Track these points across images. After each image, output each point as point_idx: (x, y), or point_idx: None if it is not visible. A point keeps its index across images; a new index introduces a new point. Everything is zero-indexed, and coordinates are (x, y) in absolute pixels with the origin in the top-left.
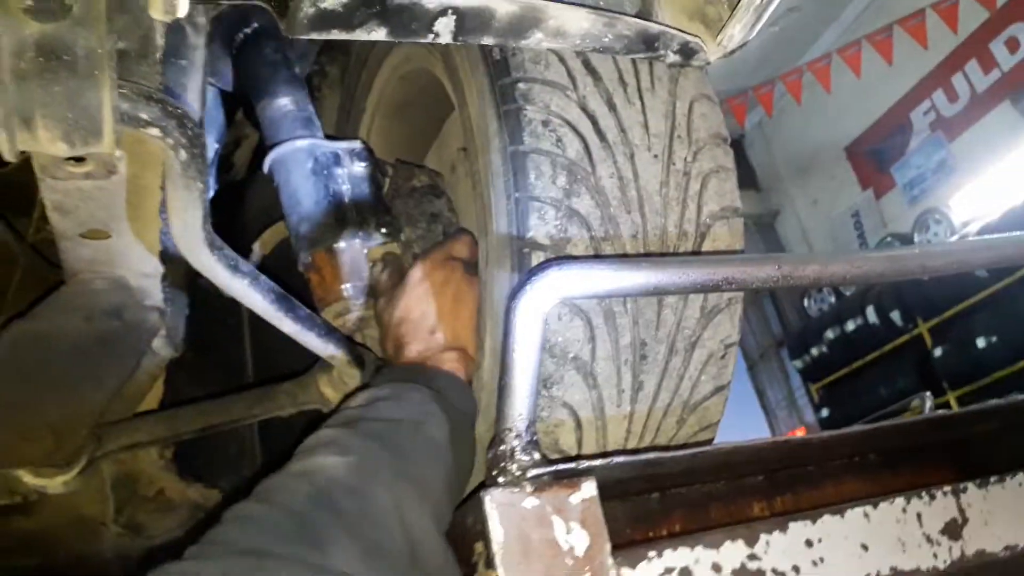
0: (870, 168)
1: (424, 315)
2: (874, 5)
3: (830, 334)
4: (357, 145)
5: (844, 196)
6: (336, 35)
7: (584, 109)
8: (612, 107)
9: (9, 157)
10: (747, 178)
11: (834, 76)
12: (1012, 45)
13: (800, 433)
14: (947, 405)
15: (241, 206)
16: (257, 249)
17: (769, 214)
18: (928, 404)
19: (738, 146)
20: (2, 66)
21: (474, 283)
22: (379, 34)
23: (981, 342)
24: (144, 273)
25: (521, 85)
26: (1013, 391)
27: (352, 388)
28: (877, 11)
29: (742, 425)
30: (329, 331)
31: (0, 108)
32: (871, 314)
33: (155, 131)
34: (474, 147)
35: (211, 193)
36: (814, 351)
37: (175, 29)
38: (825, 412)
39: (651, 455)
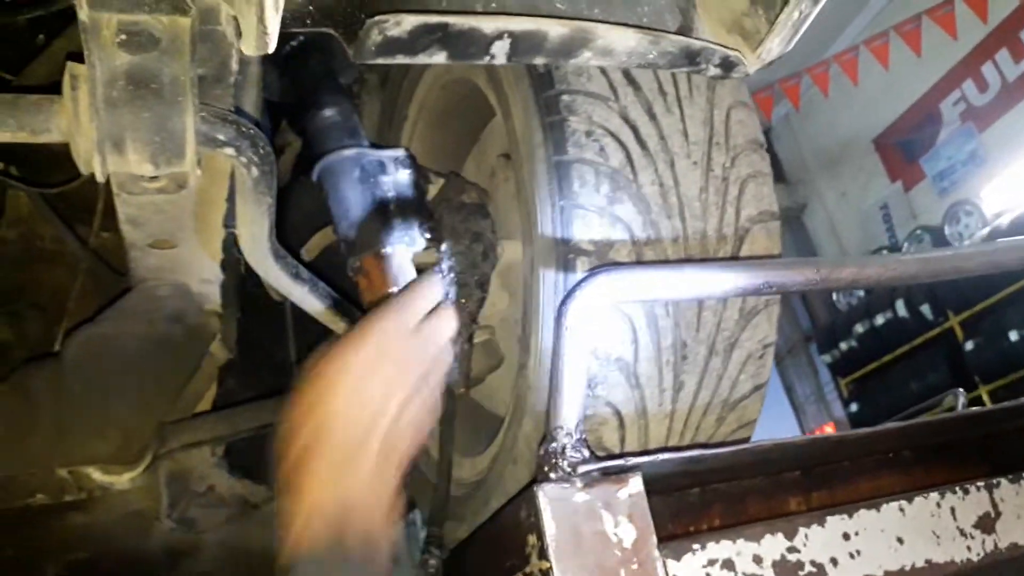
0: (899, 160)
1: (313, 474)
2: None
3: (859, 328)
4: (401, 153)
5: (873, 188)
6: (400, 60)
7: (625, 119)
8: (652, 116)
9: (100, 178)
10: (774, 171)
11: (861, 68)
12: None
13: (829, 429)
14: (979, 399)
15: (286, 212)
16: (304, 255)
17: (797, 207)
18: (961, 401)
19: (765, 139)
20: (96, 94)
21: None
22: (439, 58)
23: (1014, 335)
24: (205, 279)
25: (565, 97)
26: None
27: None
28: (904, 1)
29: (770, 420)
30: None
31: (94, 133)
32: (901, 308)
33: (231, 150)
34: (519, 156)
35: None
36: (843, 345)
37: None
38: (855, 407)
39: (694, 452)
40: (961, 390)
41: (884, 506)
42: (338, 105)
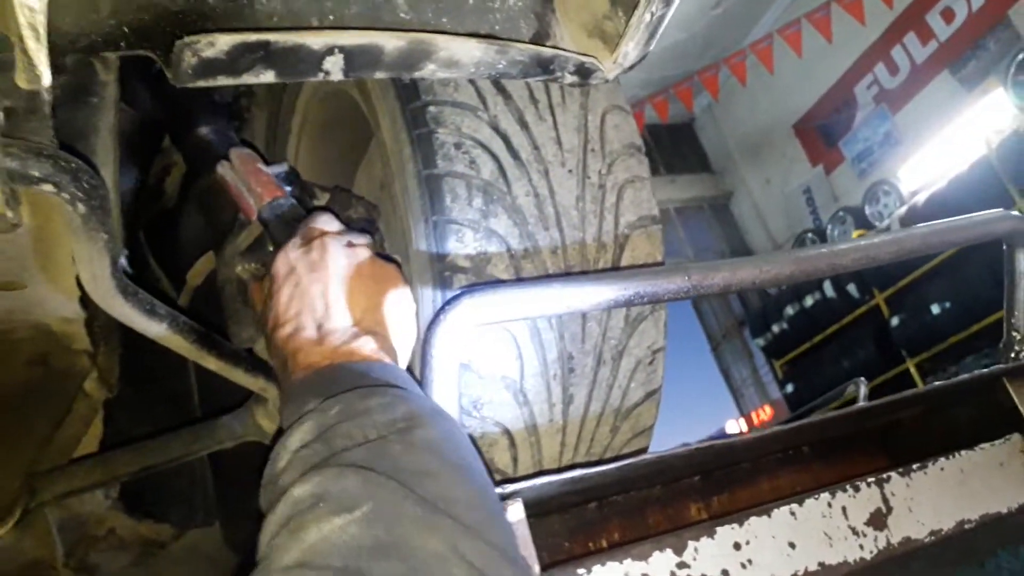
0: (819, 144)
1: (304, 308)
2: None
3: (790, 310)
4: (282, 169)
5: (795, 173)
6: (224, 81)
7: (496, 129)
8: (524, 125)
9: None
10: (700, 161)
11: (776, 56)
12: (947, 15)
13: (767, 410)
14: (907, 373)
15: (176, 234)
16: (190, 280)
17: (723, 195)
18: (863, 390)
19: (689, 130)
20: None
21: (358, 252)
22: (267, 77)
23: (935, 309)
24: (66, 319)
25: (431, 108)
26: (968, 355)
27: None
28: None
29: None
30: (256, 364)
31: None
32: (828, 288)
33: (49, 187)
34: (390, 171)
35: (140, 224)
36: (775, 328)
37: (84, 67)
38: (790, 387)
39: (576, 473)
40: (863, 379)
41: (775, 511)
42: (213, 122)
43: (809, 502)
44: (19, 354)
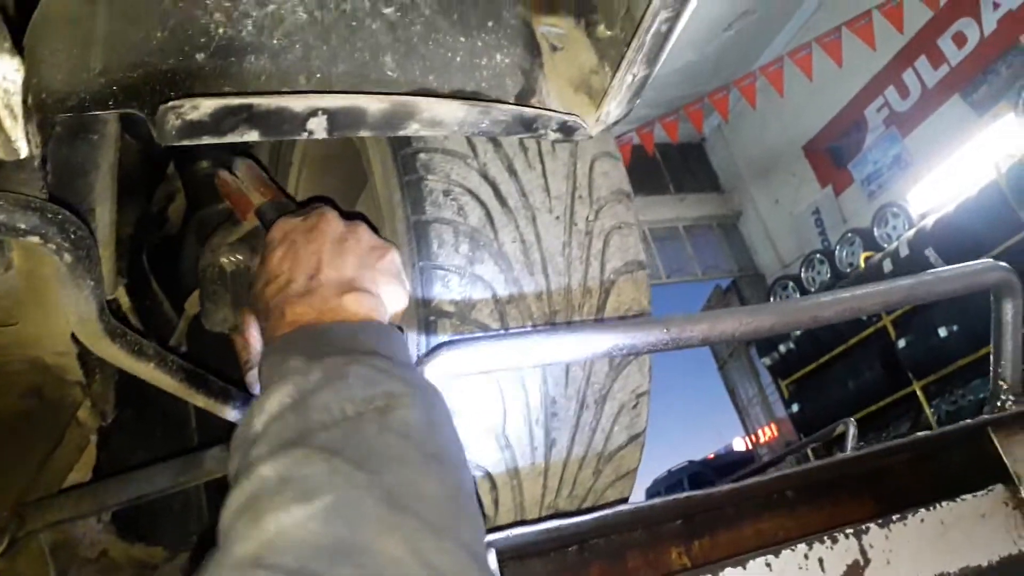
0: (828, 166)
1: (296, 264)
2: (821, 9)
3: (797, 331)
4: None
5: (804, 194)
6: (208, 140)
7: (485, 176)
8: (513, 172)
9: None
10: (709, 181)
11: (787, 79)
12: (959, 40)
13: (772, 428)
14: (913, 395)
15: (178, 260)
16: (187, 309)
17: (732, 215)
18: (852, 430)
19: (699, 150)
20: None
21: (357, 223)
22: (252, 136)
23: (943, 331)
24: (59, 352)
25: (422, 155)
26: (975, 378)
27: None
28: (825, 15)
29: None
30: (247, 401)
31: None
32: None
33: (35, 238)
34: (380, 215)
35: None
36: (782, 348)
37: None
38: (796, 407)
39: (551, 524)
40: (852, 420)
41: (750, 563)
42: (215, 155)
43: (785, 553)
44: (13, 386)
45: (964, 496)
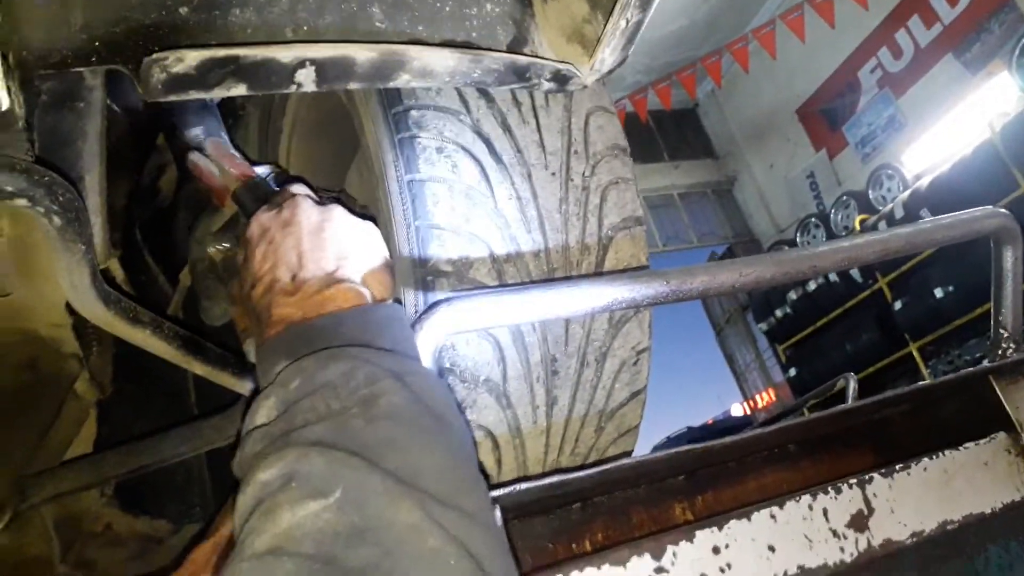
0: (822, 129)
1: (277, 263)
2: None
3: (793, 295)
4: (268, 170)
5: (799, 158)
6: (195, 95)
7: (479, 133)
8: (507, 128)
9: None
10: (703, 146)
11: (779, 42)
12: None
13: (770, 393)
14: (910, 356)
15: (171, 232)
16: (182, 280)
17: (727, 180)
18: (852, 384)
19: (692, 116)
20: None
21: (332, 208)
22: (239, 90)
23: (939, 292)
24: (54, 324)
25: (414, 113)
26: (971, 338)
27: None
28: None
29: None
30: (243, 367)
31: None
32: (832, 274)
33: (23, 201)
34: (373, 175)
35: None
36: (778, 312)
37: (69, 73)
38: (793, 371)
39: (555, 478)
40: (852, 374)
41: (755, 514)
42: (202, 123)
43: (790, 504)
44: (7, 359)
45: (966, 444)
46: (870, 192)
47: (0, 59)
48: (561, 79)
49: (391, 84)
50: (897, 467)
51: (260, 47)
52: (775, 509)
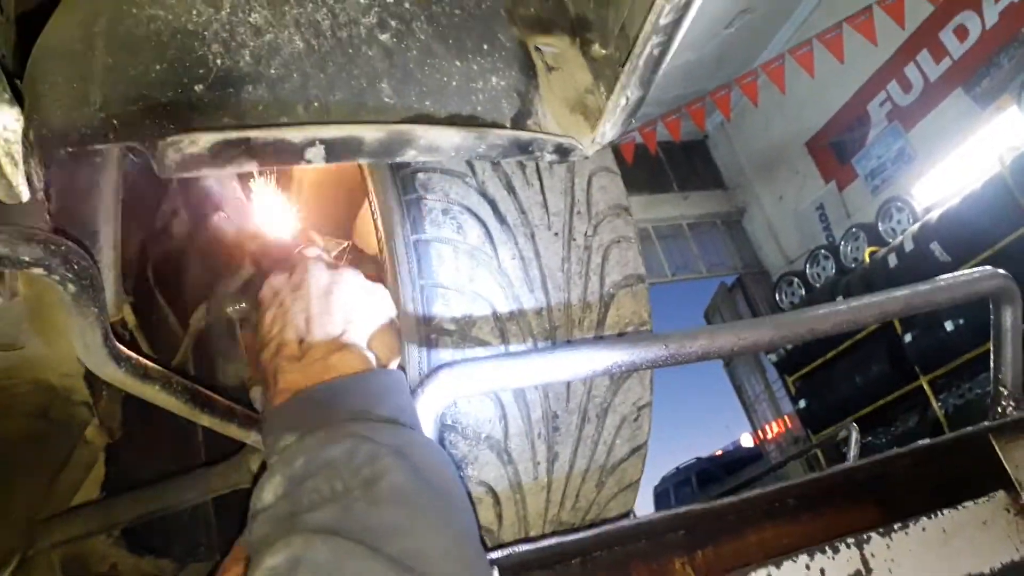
0: (832, 161)
1: (285, 327)
2: (821, 6)
3: (793, 344)
4: (286, 228)
5: (808, 190)
6: (208, 172)
7: (483, 194)
8: (511, 189)
9: None
10: (713, 178)
11: (788, 76)
12: (961, 33)
13: (782, 423)
14: (920, 389)
15: (182, 274)
16: (192, 324)
17: (736, 212)
18: (854, 435)
19: (702, 147)
20: None
21: (342, 271)
22: (251, 167)
23: (949, 325)
24: (65, 374)
25: (421, 175)
26: (981, 372)
27: None
28: (825, 11)
29: (724, 420)
30: (250, 420)
31: None
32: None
33: (39, 270)
34: (380, 234)
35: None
36: (788, 344)
37: None
38: (803, 403)
39: (552, 540)
40: (855, 424)
41: (752, 574)
42: (223, 183)
43: (787, 564)
44: (20, 408)
45: (965, 503)
46: (880, 224)
47: (21, 152)
48: (563, 151)
49: (398, 159)
50: (895, 526)
51: (271, 129)
52: (772, 569)
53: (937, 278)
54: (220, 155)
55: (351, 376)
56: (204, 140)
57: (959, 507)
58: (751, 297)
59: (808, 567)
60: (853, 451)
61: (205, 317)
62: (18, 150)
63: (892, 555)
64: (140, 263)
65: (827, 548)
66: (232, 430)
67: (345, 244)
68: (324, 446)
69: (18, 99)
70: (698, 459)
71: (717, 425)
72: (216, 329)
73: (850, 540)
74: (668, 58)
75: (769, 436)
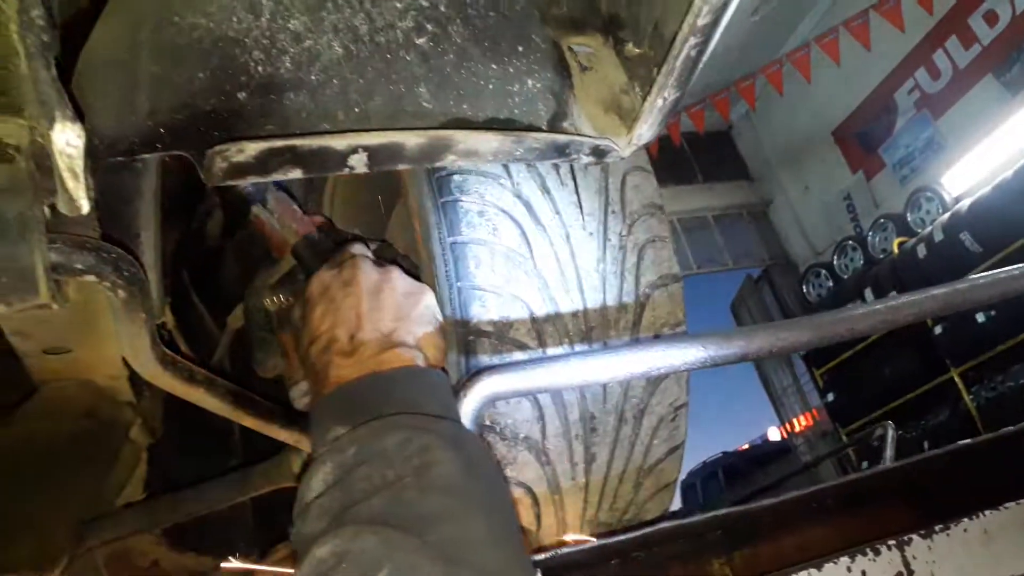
0: (859, 151)
1: (336, 322)
2: None
3: (830, 344)
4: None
5: (835, 180)
6: (254, 179)
7: (519, 196)
8: (546, 190)
9: None
10: (738, 169)
11: (814, 64)
12: (991, 19)
13: (810, 416)
14: (951, 382)
15: (218, 275)
16: (230, 323)
17: (762, 203)
18: (891, 433)
19: (727, 138)
20: None
21: (390, 270)
22: (296, 173)
23: (980, 317)
24: (111, 375)
25: (456, 177)
26: (1014, 364)
27: None
28: None
29: (752, 413)
30: (291, 419)
31: None
32: (869, 296)
33: (92, 277)
34: (417, 237)
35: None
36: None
37: None
38: (831, 396)
39: (592, 544)
40: (891, 423)
41: None
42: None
43: (828, 566)
44: (69, 409)
45: (1007, 504)
46: (908, 215)
47: (83, 167)
48: (599, 153)
49: (437, 163)
50: (936, 528)
51: (315, 137)
52: (813, 571)
53: (975, 276)
54: (266, 163)
55: (401, 368)
56: (251, 149)
57: (1000, 508)
58: (778, 289)
59: (849, 569)
60: (889, 450)
61: (244, 308)
62: (79, 165)
63: (934, 557)
64: (176, 265)
65: (868, 550)
66: (273, 430)
67: (379, 241)
68: (377, 436)
69: (80, 116)
70: (724, 453)
71: (744, 418)
72: (254, 320)
73: (891, 542)
74: (705, 58)
75: (797, 429)
